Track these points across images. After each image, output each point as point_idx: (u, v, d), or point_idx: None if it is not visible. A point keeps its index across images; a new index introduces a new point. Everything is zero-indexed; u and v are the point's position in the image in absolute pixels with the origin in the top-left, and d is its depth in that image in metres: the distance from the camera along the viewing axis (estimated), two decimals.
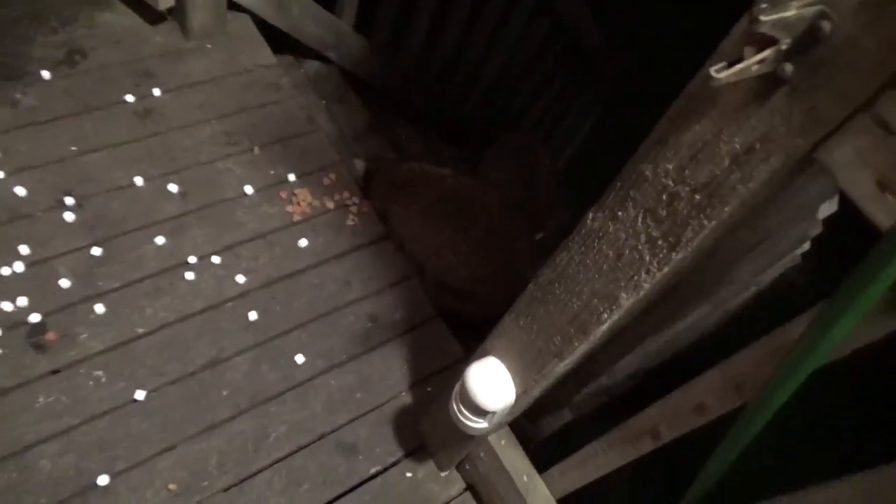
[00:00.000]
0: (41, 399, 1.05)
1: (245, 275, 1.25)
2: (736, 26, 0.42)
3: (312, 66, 1.81)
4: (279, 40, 1.64)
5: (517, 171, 2.07)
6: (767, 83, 0.43)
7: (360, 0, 1.76)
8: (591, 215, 0.64)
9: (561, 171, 2.71)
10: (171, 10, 1.45)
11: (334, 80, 1.85)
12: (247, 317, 1.21)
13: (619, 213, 0.61)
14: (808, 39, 0.39)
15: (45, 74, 1.34)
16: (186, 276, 1.21)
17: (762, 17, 0.37)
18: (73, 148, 1.28)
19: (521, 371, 0.84)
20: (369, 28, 1.85)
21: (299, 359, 1.21)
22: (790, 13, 0.38)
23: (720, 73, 0.40)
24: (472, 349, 0.95)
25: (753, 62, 0.39)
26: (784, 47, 0.40)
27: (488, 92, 2.36)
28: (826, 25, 0.38)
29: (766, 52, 0.39)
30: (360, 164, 1.48)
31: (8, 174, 1.21)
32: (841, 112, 0.41)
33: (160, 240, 1.23)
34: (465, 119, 2.38)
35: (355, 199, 1.40)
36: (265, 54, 1.55)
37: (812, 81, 0.41)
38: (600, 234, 0.64)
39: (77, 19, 1.44)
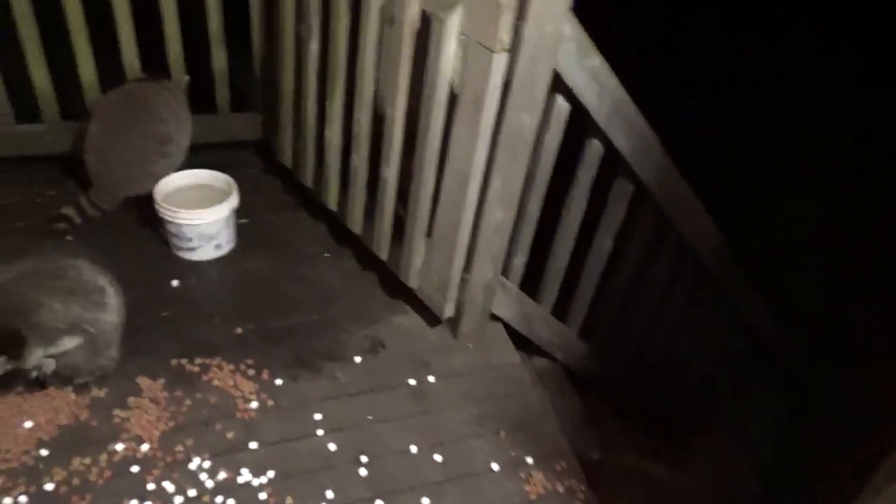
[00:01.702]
0: None
1: None
2: None
3: (540, 362, 2.19)
4: (514, 339, 2.05)
5: (717, 468, 2.18)
6: None
7: (585, 314, 2.17)
8: None
9: (763, 465, 2.71)
10: (448, 318, 1.92)
11: (557, 376, 2.20)
12: None
13: None
14: None
15: (357, 359, 1.82)
16: None
17: None
18: (370, 417, 1.68)
19: None
20: (590, 333, 2.23)
21: None
22: None
23: None
24: None
25: None
26: None
27: (690, 387, 2.56)
28: None
29: None
30: (586, 456, 1.73)
31: (325, 432, 1.63)
32: None
33: (425, 500, 1.53)
34: (668, 413, 2.57)
35: (582, 488, 1.62)
36: (511, 354, 1.95)
37: None
38: None
39: (380, 319, 1.96)
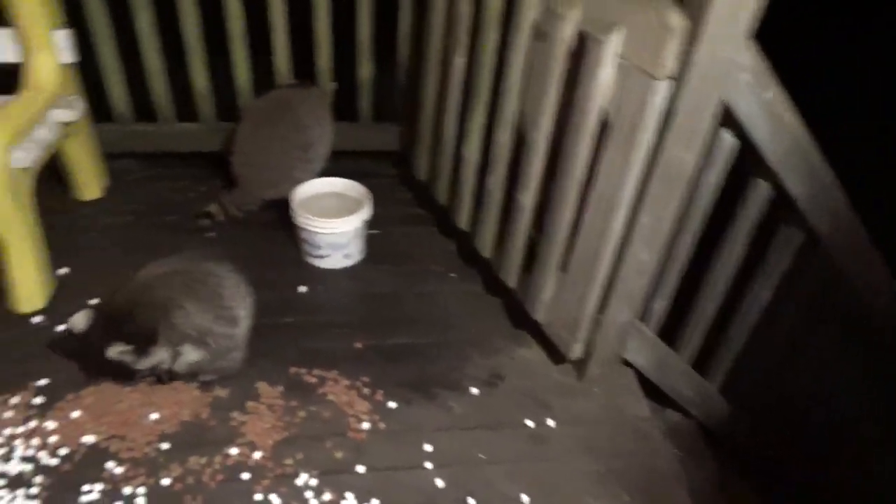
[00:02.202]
0: None
1: None
2: None
3: (673, 416, 1.99)
4: (645, 388, 1.87)
5: None
6: None
7: (730, 368, 1.94)
8: None
9: None
10: (575, 358, 1.78)
11: (691, 434, 1.99)
12: None
13: None
14: None
15: (474, 390, 1.73)
16: None
17: None
18: (482, 456, 1.59)
19: None
20: (734, 390, 1.99)
21: None
22: None
23: None
24: None
25: None
26: None
27: (848, 463, 2.25)
28: None
29: None
30: None
31: (434, 466, 1.55)
32: None
33: None
34: (818, 489, 2.27)
35: None
36: (641, 406, 1.77)
37: None
38: None
39: (502, 350, 1.86)
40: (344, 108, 2.41)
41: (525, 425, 1.67)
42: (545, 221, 1.65)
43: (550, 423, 1.68)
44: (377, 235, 2.18)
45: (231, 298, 1.59)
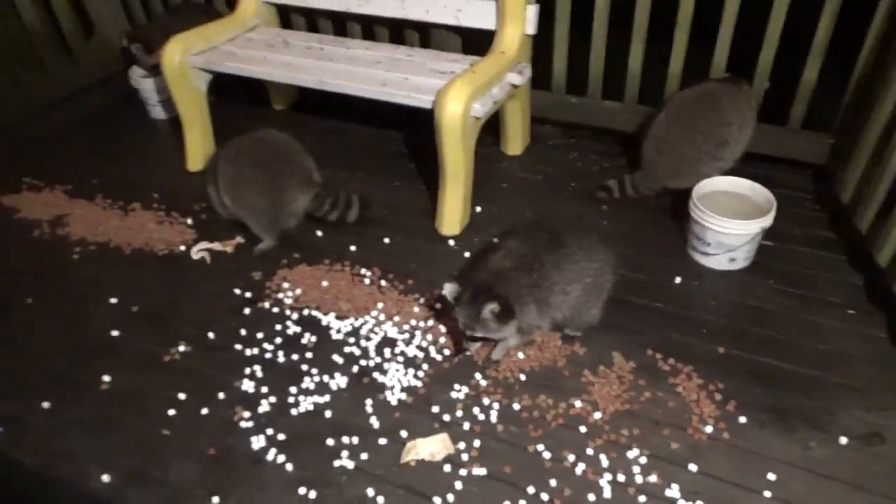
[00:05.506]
0: None
1: None
2: None
3: None
4: None
5: None
6: None
7: None
8: None
9: None
10: None
11: None
12: None
13: None
14: None
15: (842, 440, 1.53)
16: None
17: None
18: None
19: None
20: None
21: None
22: None
23: None
24: None
25: None
26: None
27: None
28: None
29: None
30: None
31: (773, 497, 1.43)
32: None
33: None
34: None
35: None
36: None
37: None
38: None
39: (892, 409, 1.60)
40: (772, 110, 2.28)
41: None
42: None
43: None
44: (771, 248, 2.04)
45: (558, 307, 1.68)
